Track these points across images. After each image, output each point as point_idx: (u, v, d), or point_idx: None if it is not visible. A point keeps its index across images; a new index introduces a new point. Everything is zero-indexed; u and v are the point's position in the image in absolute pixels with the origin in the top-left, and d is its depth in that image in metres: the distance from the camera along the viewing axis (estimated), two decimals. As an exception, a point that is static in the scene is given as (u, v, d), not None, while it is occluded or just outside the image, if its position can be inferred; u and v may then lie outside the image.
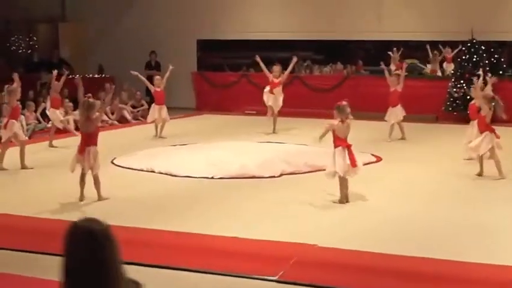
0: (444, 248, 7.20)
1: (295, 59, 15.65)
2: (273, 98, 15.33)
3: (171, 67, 15.34)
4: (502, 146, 10.92)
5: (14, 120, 11.65)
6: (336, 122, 8.92)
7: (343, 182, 9.06)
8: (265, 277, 6.54)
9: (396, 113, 14.33)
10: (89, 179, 9.31)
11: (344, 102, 8.98)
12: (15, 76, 12.11)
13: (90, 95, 9.85)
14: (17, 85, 11.90)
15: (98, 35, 22.68)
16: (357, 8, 20.38)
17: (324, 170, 10.65)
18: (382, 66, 15.78)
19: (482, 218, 8.49)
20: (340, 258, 6.96)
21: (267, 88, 15.49)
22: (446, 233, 7.83)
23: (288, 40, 21.25)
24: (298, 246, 7.20)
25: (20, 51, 23.36)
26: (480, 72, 14.14)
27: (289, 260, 6.79)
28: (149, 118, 15.36)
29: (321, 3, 20.70)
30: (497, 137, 10.85)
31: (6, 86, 12.10)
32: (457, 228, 8.02)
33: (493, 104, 10.89)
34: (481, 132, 10.85)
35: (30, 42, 23.29)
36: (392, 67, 19.35)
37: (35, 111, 16.49)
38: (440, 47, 19.74)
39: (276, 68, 15.47)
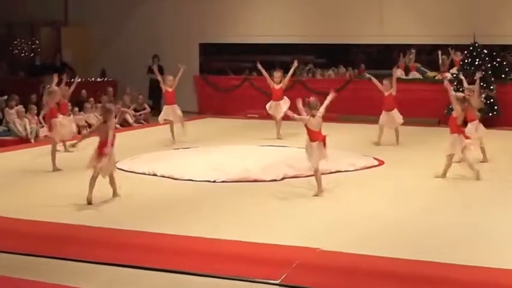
0: (447, 251, 7.19)
1: (296, 63, 15.61)
2: (274, 105, 15.26)
3: (182, 68, 15.15)
4: (472, 148, 11.24)
5: (55, 119, 11.83)
6: (307, 117, 9.62)
7: (318, 173, 9.72)
8: (268, 280, 6.54)
9: (394, 117, 14.29)
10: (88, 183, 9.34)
11: (312, 98, 9.71)
12: (55, 76, 12.65)
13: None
14: (56, 87, 12.12)
15: (101, 39, 22.71)
16: (359, 12, 20.39)
17: (327, 173, 10.77)
18: (368, 75, 15.86)
19: (485, 221, 8.48)
20: (342, 262, 6.96)
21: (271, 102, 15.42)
22: (449, 237, 7.82)
23: (290, 44, 21.28)
24: (301, 249, 7.20)
25: (23, 54, 23.41)
26: (462, 77, 14.27)
27: (291, 263, 6.79)
28: (161, 118, 14.92)
29: (324, 7, 20.71)
30: (467, 138, 11.02)
31: (48, 87, 12.19)
32: (459, 232, 8.01)
33: (466, 104, 11.08)
34: (452, 133, 10.94)
35: (33, 46, 23.33)
36: (399, 72, 19.36)
37: (37, 114, 16.51)
38: (450, 49, 19.67)
39: (277, 74, 15.36)
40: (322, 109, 9.74)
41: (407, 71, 20.06)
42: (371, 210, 9.05)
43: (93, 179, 9.30)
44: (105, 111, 9.63)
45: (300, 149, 13.04)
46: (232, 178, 10.80)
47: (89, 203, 9.22)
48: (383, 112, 14.39)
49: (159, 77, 14.95)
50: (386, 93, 14.38)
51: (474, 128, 12.03)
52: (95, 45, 22.88)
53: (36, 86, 19.28)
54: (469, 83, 17.72)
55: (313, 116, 9.63)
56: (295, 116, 9.86)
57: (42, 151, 13.12)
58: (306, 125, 9.70)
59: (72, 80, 14.81)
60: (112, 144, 9.45)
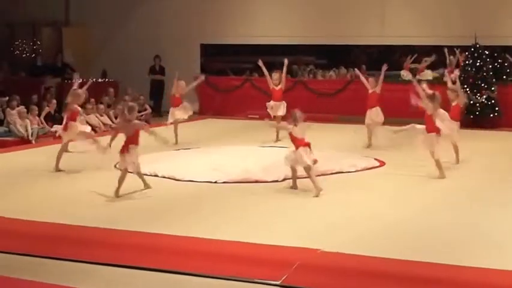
0: (447, 252, 7.20)
1: (286, 61, 15.42)
2: (274, 106, 15.14)
3: (202, 77, 15.06)
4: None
5: (73, 122, 11.77)
6: (290, 126, 9.95)
7: (312, 173, 9.87)
8: (269, 281, 6.55)
9: (376, 115, 14.12)
10: (88, 183, 9.34)
11: (297, 111, 10.06)
12: (76, 77, 12.82)
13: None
14: (82, 91, 12.11)
15: (102, 40, 22.73)
16: (360, 12, 20.40)
17: (328, 174, 10.82)
18: (357, 72, 15.84)
19: (485, 221, 8.50)
20: (343, 263, 6.96)
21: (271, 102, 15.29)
22: (449, 237, 7.83)
23: (291, 45, 21.28)
24: (302, 250, 7.20)
25: (24, 55, 23.40)
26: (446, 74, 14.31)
27: (292, 264, 6.79)
28: (169, 122, 14.86)
29: (325, 8, 20.72)
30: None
31: (73, 88, 12.24)
32: (459, 232, 8.02)
33: (436, 100, 11.09)
34: (428, 132, 10.97)
35: (34, 47, 23.32)
36: (404, 72, 19.31)
37: (39, 115, 16.52)
38: (456, 50, 19.60)
39: (275, 76, 15.22)
40: (283, 80, 10.05)
41: (413, 72, 20.00)
42: (372, 210, 9.06)
43: (122, 176, 9.82)
44: (129, 109, 9.96)
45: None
46: (233, 179, 10.81)
47: (117, 196, 9.68)
48: (367, 111, 14.25)
49: (175, 83, 14.80)
50: (370, 91, 14.25)
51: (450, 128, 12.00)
52: (96, 46, 22.89)
53: (37, 86, 19.30)
54: (471, 84, 17.85)
55: (295, 125, 9.90)
56: (279, 124, 10.47)
57: (44, 151, 13.16)
58: (290, 133, 9.99)
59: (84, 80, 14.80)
60: (136, 143, 9.80)
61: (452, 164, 11.99)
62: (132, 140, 9.79)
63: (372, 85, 14.21)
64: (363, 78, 14.66)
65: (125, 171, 9.79)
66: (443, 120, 11.73)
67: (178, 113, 14.63)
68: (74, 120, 11.84)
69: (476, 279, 6.51)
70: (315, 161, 9.88)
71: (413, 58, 20.06)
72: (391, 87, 15.91)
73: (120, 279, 6.74)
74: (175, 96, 14.71)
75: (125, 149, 9.74)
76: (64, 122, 11.92)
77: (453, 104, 12.35)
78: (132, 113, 9.92)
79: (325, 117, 18.54)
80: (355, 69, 16.59)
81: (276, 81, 15.17)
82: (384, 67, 14.57)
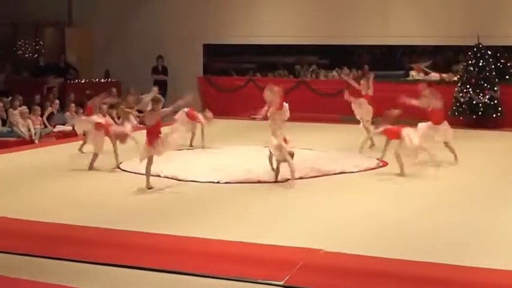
0: (448, 252, 7.19)
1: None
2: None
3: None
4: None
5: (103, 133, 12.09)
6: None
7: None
8: (272, 282, 6.54)
9: (365, 109, 14.20)
10: (90, 184, 9.34)
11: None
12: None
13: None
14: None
15: (104, 40, 22.72)
16: (363, 12, 20.38)
17: (331, 174, 10.82)
18: (345, 77, 15.87)
19: (486, 222, 8.50)
20: (346, 263, 6.96)
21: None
22: (449, 238, 7.82)
23: (294, 45, 21.27)
24: (305, 251, 7.20)
25: (27, 55, 23.42)
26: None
27: (295, 264, 6.79)
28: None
29: (328, 8, 20.70)
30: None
31: (120, 123, 12.50)
32: (460, 233, 8.02)
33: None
34: (391, 139, 11.43)
35: (37, 47, 23.34)
36: (414, 72, 19.29)
37: (41, 115, 16.52)
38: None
39: (267, 96, 14.69)
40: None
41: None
42: (374, 211, 9.05)
43: (148, 167, 10.15)
44: (155, 100, 10.32)
45: (303, 149, 13.08)
46: (236, 179, 10.81)
47: (150, 188, 10.12)
48: None
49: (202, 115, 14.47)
50: (363, 93, 14.37)
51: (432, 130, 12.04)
52: (99, 46, 22.89)
53: (40, 86, 19.30)
54: (474, 84, 17.83)
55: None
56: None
57: (46, 152, 13.16)
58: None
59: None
60: (157, 131, 10.06)
61: (452, 163, 12.00)
62: (151, 130, 10.08)
63: (364, 87, 14.34)
64: (353, 82, 14.80)
65: (150, 161, 10.09)
66: (430, 129, 11.92)
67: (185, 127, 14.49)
68: (107, 130, 12.07)
69: (477, 279, 6.51)
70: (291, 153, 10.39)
71: (429, 62, 19.96)
72: (392, 87, 15.89)
73: (121, 279, 6.73)
74: (191, 113, 14.43)
75: (147, 141, 10.05)
76: (105, 122, 12.40)
77: (429, 109, 12.32)
78: (159, 104, 10.19)
79: (327, 118, 18.54)
80: (342, 73, 16.59)
81: (269, 98, 14.65)
82: (371, 74, 15.11)
